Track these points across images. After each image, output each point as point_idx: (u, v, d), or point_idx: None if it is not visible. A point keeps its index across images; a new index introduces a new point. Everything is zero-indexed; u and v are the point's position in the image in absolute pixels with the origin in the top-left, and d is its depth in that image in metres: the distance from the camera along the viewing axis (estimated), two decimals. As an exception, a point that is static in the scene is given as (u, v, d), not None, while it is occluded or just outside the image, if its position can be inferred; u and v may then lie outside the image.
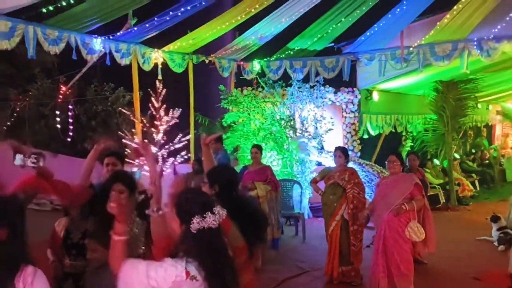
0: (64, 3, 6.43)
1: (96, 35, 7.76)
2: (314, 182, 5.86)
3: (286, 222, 8.45)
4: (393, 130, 11.13)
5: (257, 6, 7.49)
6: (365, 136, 10.03)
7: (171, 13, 7.13)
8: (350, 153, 9.55)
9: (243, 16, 7.85)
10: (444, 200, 10.15)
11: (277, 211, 6.66)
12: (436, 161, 11.28)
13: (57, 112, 10.09)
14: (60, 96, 10.33)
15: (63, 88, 10.54)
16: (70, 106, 10.17)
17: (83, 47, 7.59)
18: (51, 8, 6.46)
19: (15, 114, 11.33)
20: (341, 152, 5.50)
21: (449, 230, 7.75)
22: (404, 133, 11.84)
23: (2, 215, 1.85)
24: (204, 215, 2.05)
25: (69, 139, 10.07)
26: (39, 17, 6.62)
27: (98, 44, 7.79)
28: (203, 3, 6.93)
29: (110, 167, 3.66)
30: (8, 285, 1.75)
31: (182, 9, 7.01)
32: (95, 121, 10.98)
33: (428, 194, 7.13)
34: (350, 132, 9.83)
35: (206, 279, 2.00)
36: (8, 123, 11.20)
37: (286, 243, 7.21)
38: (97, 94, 11.23)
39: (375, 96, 10.16)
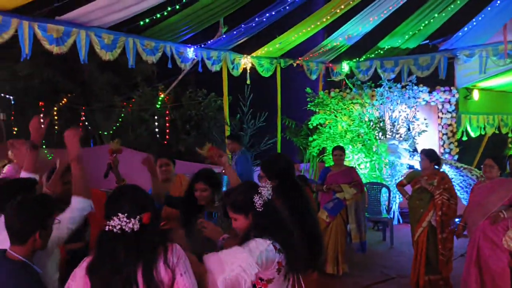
0: (158, 15, 6.91)
1: (189, 45, 8.22)
2: (400, 185, 5.61)
3: (374, 227, 8.18)
4: (497, 132, 10.22)
5: (342, 7, 7.38)
6: (464, 138, 9.34)
7: (256, 19, 7.30)
8: (446, 156, 9.02)
9: (328, 17, 7.78)
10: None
11: (364, 213, 6.48)
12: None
13: (156, 117, 10.85)
14: (159, 102, 11.09)
15: (162, 95, 11.32)
16: (167, 112, 10.87)
17: (178, 56, 8.09)
18: (147, 20, 6.97)
19: (120, 120, 12.42)
20: (424, 155, 5.18)
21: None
22: (510, 135, 10.81)
23: (146, 199, 1.98)
24: (259, 191, 2.27)
25: (165, 142, 10.76)
26: (137, 29, 7.18)
27: (191, 52, 8.25)
28: (287, 8, 7.00)
29: (164, 168, 4.09)
30: (157, 263, 1.84)
31: (267, 15, 7.15)
32: (189, 125, 11.62)
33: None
34: (446, 134, 9.22)
35: (283, 250, 2.16)
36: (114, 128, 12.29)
37: (373, 248, 6.98)
38: (191, 99, 11.86)
39: (476, 95, 9.42)
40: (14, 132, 11.31)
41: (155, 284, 1.80)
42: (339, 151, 6.10)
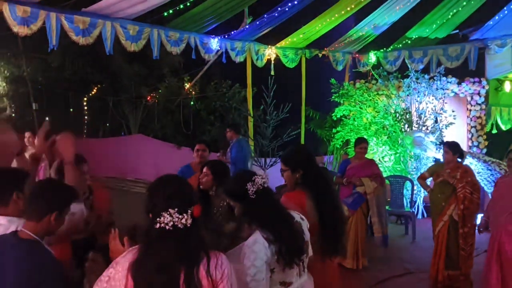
0: (181, 6, 6.95)
1: (213, 35, 8.25)
2: (421, 178, 5.51)
3: (397, 221, 8.05)
4: (530, 125, 9.82)
5: (366, -4, 7.25)
6: (494, 131, 9.04)
7: (279, 8, 7.25)
8: (474, 149, 8.77)
9: (353, 6, 7.65)
10: None
11: (385, 207, 6.41)
12: None
13: (181, 108, 10.98)
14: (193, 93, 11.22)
15: (187, 86, 11.44)
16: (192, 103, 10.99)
17: (202, 47, 8.13)
18: (171, 11, 7.03)
19: (147, 110, 12.66)
20: (447, 148, 5.05)
21: None
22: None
23: (192, 190, 1.90)
24: (253, 179, 2.25)
25: (189, 132, 10.90)
26: (161, 20, 7.25)
27: (215, 43, 8.28)
28: (309, -3, 6.93)
29: (200, 152, 4.64)
30: (199, 267, 1.73)
31: (290, 4, 7.09)
32: (213, 116, 11.72)
33: None
34: (475, 127, 8.95)
35: (274, 241, 2.13)
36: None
37: (394, 243, 6.88)
38: (216, 91, 11.95)
39: (507, 86, 9.08)
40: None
41: (195, 285, 1.69)
42: (365, 144, 6.00)
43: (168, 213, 1.70)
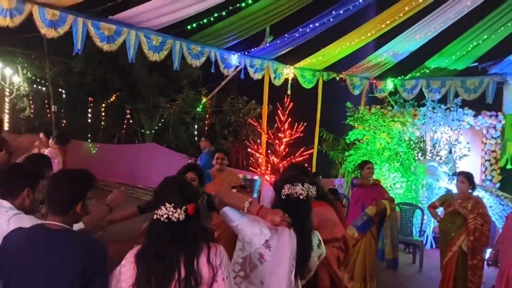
0: (205, 21, 7.09)
1: (233, 51, 8.37)
2: (432, 207, 5.47)
3: (405, 249, 7.96)
4: (546, 163, 9.70)
5: (388, 22, 7.32)
6: (509, 166, 8.94)
7: (300, 29, 7.35)
8: (487, 183, 8.67)
9: (373, 32, 7.72)
10: None
11: (397, 231, 6.37)
12: None
13: (196, 120, 11.10)
14: (200, 106, 11.35)
15: (204, 99, 11.58)
16: (207, 115, 11.10)
17: (221, 62, 8.24)
18: (194, 25, 7.18)
19: (163, 120, 12.80)
20: (464, 178, 5.03)
21: None
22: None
23: (192, 191, 2.08)
24: (294, 184, 2.36)
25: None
26: (183, 33, 7.40)
27: (235, 59, 8.39)
28: (331, 20, 7.01)
29: (220, 160, 5.32)
30: (199, 257, 1.89)
31: (311, 26, 7.19)
32: (227, 130, 11.82)
33: None
34: (489, 160, 8.86)
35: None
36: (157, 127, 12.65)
37: (401, 270, 6.79)
38: (232, 106, 12.07)
39: (524, 123, 9.01)
40: (63, 124, 11.89)
41: (195, 275, 1.84)
42: (370, 164, 6.01)
43: (165, 206, 1.90)
